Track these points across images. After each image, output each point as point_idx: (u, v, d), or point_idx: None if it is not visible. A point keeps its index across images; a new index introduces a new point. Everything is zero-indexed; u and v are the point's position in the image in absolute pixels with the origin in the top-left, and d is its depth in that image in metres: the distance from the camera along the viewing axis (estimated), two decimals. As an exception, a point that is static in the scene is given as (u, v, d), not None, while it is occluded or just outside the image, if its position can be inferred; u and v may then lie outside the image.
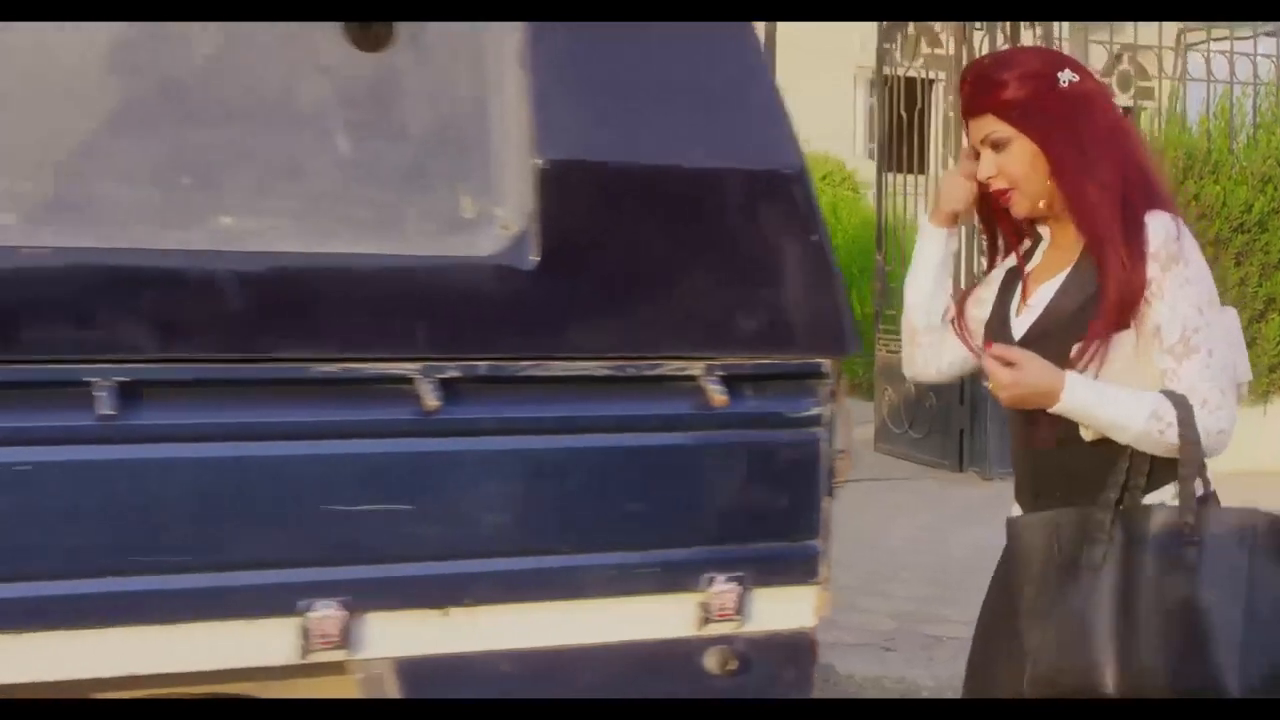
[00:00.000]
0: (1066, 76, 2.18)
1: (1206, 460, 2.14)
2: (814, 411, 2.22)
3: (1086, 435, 2.16)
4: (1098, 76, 2.27)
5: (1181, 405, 2.08)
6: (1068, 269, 2.21)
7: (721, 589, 2.19)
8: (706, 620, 2.19)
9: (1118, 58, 8.26)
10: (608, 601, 2.17)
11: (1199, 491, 2.12)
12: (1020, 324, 2.24)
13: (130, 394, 1.93)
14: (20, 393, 1.91)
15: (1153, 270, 2.10)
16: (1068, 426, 2.16)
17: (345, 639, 2.04)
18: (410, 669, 2.09)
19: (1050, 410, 2.12)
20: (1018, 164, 2.20)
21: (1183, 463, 2.09)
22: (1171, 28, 8.84)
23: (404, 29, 2.09)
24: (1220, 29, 8.94)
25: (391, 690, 2.07)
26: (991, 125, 2.20)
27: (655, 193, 2.16)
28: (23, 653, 1.91)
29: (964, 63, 7.66)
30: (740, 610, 2.20)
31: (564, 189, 2.13)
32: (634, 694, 2.17)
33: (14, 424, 1.91)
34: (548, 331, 2.11)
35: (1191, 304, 2.11)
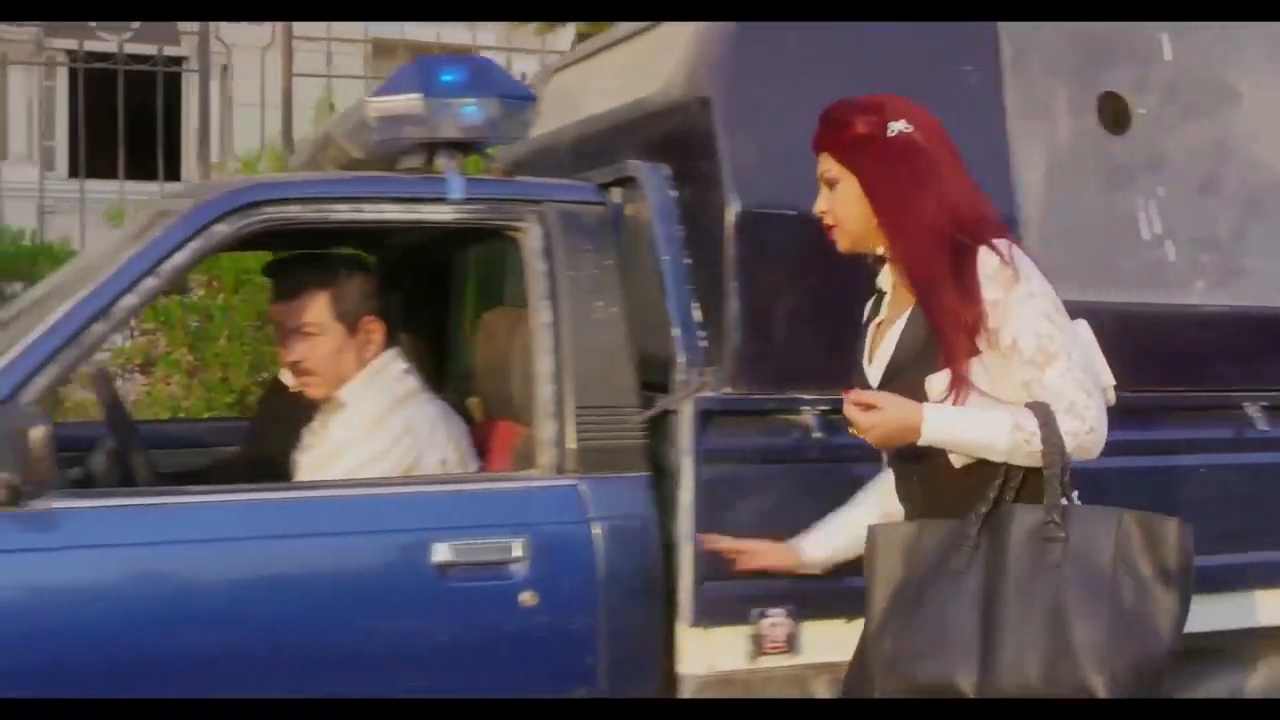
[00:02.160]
0: (898, 127, 2.27)
1: (1083, 460, 2.19)
2: None
3: (956, 463, 2.22)
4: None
5: (1041, 412, 2.12)
6: (906, 312, 2.30)
7: None
8: None
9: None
10: None
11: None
12: (874, 373, 2.34)
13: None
14: (1193, 414, 2.97)
15: (995, 293, 2.16)
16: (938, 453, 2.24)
17: None
18: None
19: (918, 443, 2.18)
20: (843, 203, 2.31)
21: (1046, 465, 2.11)
22: None
23: None
24: None
25: None
26: (827, 164, 2.33)
27: None
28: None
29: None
30: None
31: None
32: None
33: (1191, 436, 2.98)
34: None
35: (1039, 314, 2.16)
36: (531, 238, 2.80)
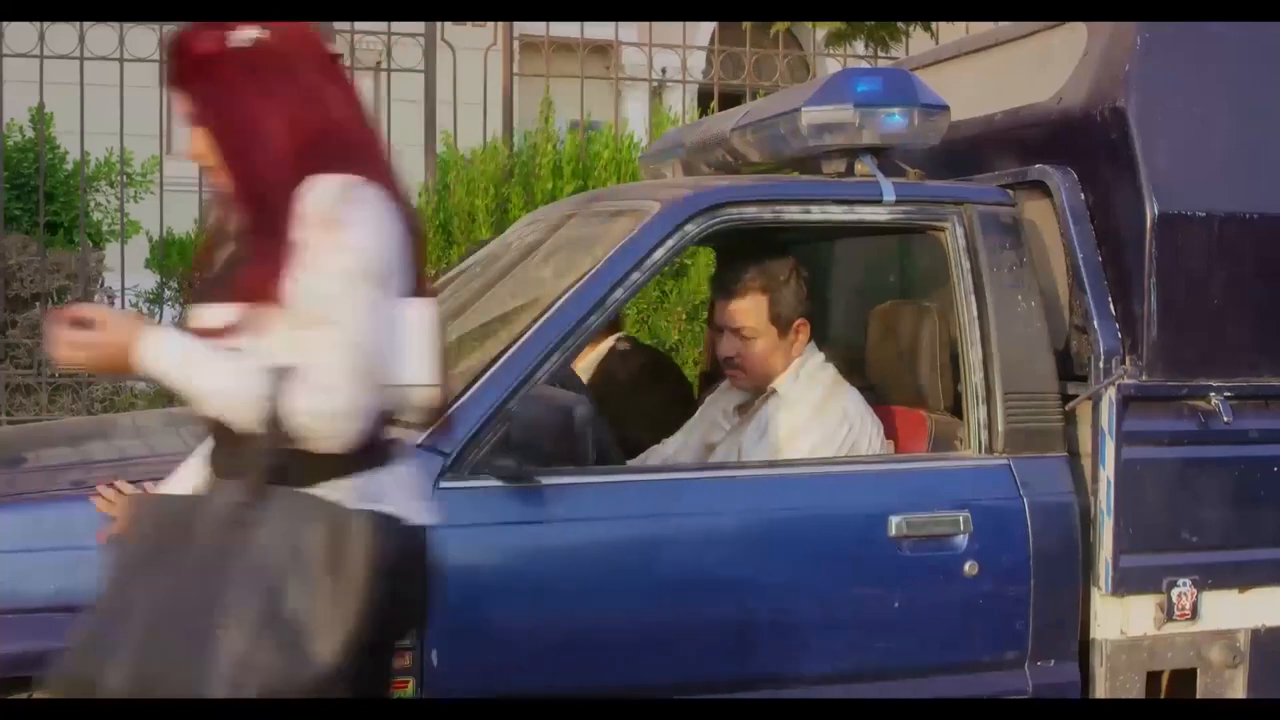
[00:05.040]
0: (246, 35, 1.85)
1: (326, 447, 1.82)
2: None
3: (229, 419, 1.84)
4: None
5: (278, 377, 1.78)
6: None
7: None
8: None
9: None
10: None
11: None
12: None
13: None
14: None
15: (302, 233, 1.81)
16: None
17: None
18: None
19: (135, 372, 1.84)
20: (201, 140, 1.90)
21: (263, 440, 1.79)
22: None
23: None
24: None
25: None
26: (180, 103, 1.91)
27: None
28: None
29: None
30: None
31: None
32: None
33: None
34: None
35: (340, 271, 1.80)
36: (955, 237, 3.03)
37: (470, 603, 2.62)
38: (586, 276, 2.83)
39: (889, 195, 3.02)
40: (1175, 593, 2.99)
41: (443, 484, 2.63)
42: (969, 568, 2.88)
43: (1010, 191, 3.17)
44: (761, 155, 3.32)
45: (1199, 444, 3.02)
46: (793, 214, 3.00)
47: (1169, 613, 3.00)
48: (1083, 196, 3.08)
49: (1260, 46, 3.11)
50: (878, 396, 3.32)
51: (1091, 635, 3.00)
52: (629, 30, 8.14)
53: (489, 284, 3.29)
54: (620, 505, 2.76)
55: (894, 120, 3.06)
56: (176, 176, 7.44)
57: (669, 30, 7.79)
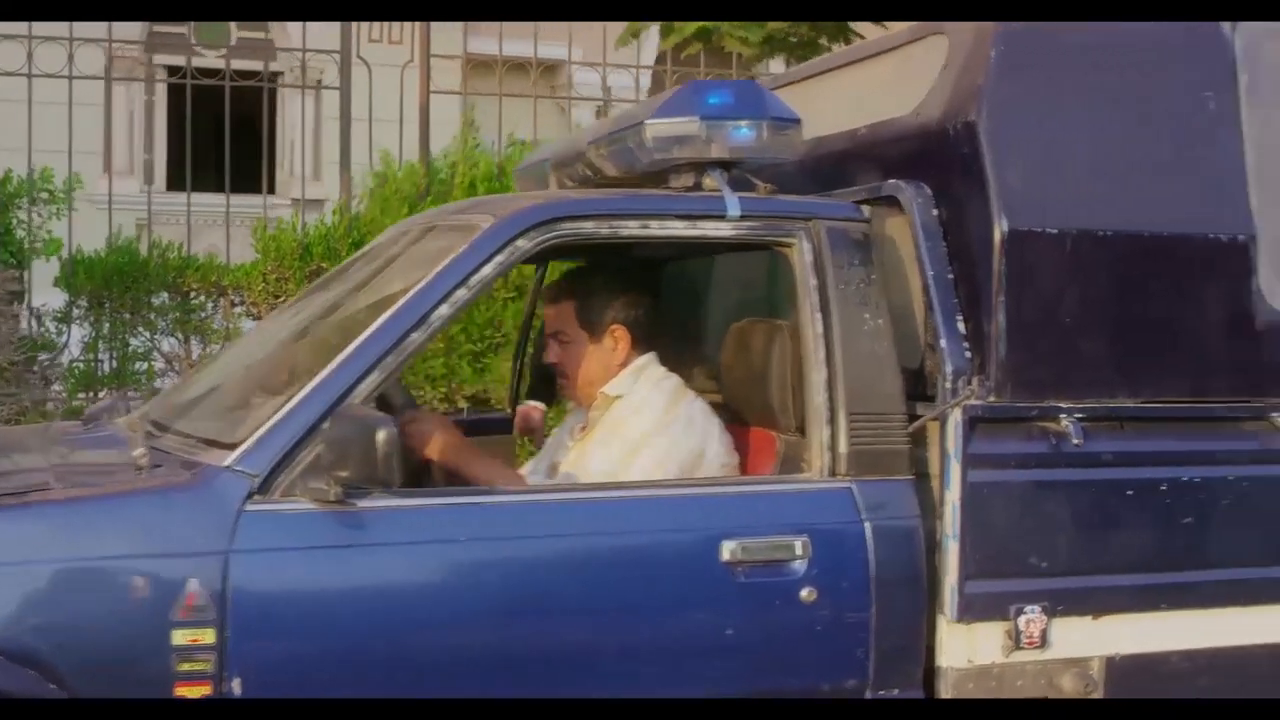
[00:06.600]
0: None
1: None
2: None
3: None
4: None
5: None
6: None
7: None
8: None
9: None
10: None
11: None
12: None
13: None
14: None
15: None
16: None
17: None
18: None
19: None
20: None
21: None
22: None
23: None
24: None
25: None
26: None
27: None
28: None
29: None
30: None
31: None
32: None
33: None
34: None
35: None
36: (802, 253, 2.96)
37: (277, 631, 2.54)
38: (410, 293, 2.75)
39: (733, 210, 2.94)
40: (1023, 620, 2.91)
41: (249, 508, 2.55)
42: (806, 594, 2.79)
43: (865, 207, 3.09)
44: (616, 169, 3.24)
45: (1049, 467, 2.93)
46: (631, 229, 2.92)
47: (1017, 640, 2.91)
48: (935, 212, 3.00)
49: (1116, 61, 3.03)
50: (732, 416, 3.24)
51: (937, 663, 2.91)
52: (557, 48, 8.04)
53: (336, 297, 3.21)
54: (438, 529, 2.67)
55: (742, 133, 2.99)
56: (96, 194, 7.39)
57: (592, 47, 7.68)
